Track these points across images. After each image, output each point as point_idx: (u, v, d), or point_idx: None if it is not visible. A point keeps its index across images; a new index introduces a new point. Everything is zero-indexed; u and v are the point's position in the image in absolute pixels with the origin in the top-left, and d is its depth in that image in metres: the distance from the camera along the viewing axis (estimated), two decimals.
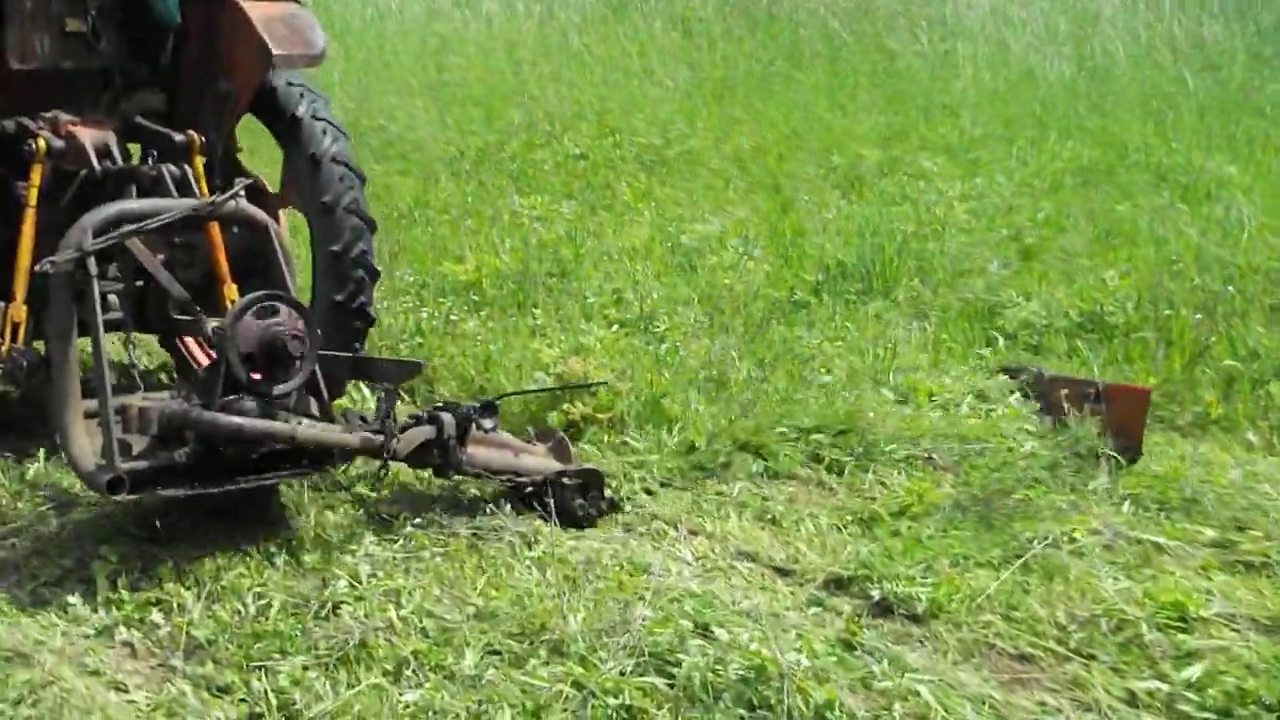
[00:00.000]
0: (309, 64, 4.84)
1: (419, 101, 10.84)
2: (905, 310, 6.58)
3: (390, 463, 4.15)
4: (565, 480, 4.38)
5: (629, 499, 4.64)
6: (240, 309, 3.93)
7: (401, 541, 4.24)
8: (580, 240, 7.22)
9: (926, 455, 5.03)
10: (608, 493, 4.51)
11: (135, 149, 4.84)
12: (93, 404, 3.90)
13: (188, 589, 3.90)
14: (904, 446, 5.07)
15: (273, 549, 4.15)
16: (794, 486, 4.87)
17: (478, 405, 4.32)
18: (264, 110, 5.04)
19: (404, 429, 4.18)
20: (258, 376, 3.93)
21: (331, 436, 4.02)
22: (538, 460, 4.47)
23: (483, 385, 5.52)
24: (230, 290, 4.55)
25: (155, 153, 4.56)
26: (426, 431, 4.18)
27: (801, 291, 6.61)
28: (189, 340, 5.49)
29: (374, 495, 4.54)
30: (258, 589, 3.92)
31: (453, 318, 6.20)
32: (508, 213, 8.11)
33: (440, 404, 4.38)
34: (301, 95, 4.96)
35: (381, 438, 4.05)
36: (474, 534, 4.30)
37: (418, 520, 4.35)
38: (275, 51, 4.65)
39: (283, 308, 4.00)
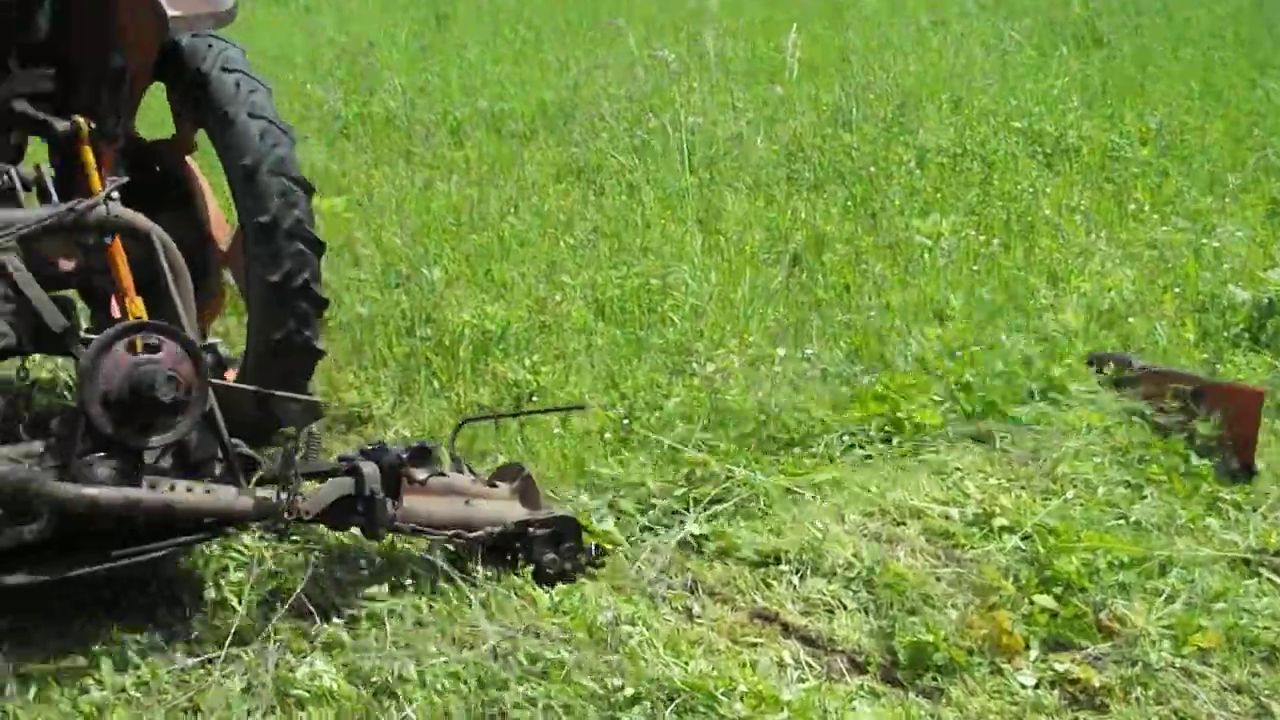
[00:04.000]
0: (217, 24, 4.20)
1: (693, 82, 8.45)
2: None
3: (297, 525, 3.42)
4: (531, 531, 3.58)
5: None
6: (101, 344, 3.28)
7: None
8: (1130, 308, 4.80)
9: None
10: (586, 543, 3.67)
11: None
12: None
13: None
14: None
15: None
16: None
17: (407, 450, 3.53)
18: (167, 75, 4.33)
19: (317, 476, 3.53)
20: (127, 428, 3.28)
21: (217, 503, 3.35)
22: (496, 507, 3.64)
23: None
24: (136, 305, 3.80)
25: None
26: (343, 486, 3.45)
27: None
28: None
29: None
30: None
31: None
32: (923, 249, 5.74)
33: (366, 447, 3.61)
34: (209, 46, 4.25)
35: (284, 498, 3.35)
36: None
37: None
38: (172, 13, 4.04)
39: (164, 340, 3.32)
